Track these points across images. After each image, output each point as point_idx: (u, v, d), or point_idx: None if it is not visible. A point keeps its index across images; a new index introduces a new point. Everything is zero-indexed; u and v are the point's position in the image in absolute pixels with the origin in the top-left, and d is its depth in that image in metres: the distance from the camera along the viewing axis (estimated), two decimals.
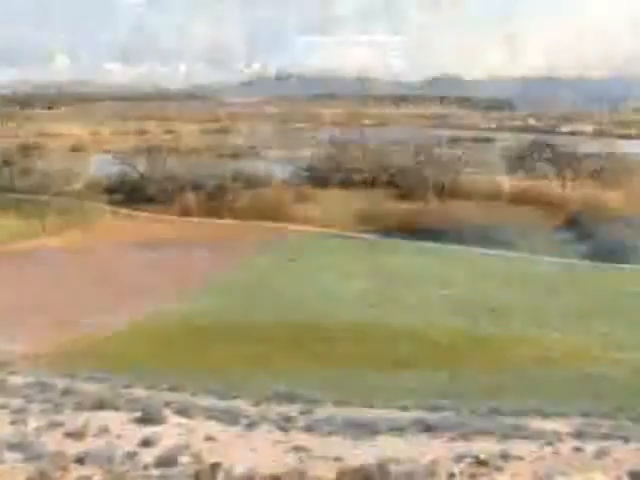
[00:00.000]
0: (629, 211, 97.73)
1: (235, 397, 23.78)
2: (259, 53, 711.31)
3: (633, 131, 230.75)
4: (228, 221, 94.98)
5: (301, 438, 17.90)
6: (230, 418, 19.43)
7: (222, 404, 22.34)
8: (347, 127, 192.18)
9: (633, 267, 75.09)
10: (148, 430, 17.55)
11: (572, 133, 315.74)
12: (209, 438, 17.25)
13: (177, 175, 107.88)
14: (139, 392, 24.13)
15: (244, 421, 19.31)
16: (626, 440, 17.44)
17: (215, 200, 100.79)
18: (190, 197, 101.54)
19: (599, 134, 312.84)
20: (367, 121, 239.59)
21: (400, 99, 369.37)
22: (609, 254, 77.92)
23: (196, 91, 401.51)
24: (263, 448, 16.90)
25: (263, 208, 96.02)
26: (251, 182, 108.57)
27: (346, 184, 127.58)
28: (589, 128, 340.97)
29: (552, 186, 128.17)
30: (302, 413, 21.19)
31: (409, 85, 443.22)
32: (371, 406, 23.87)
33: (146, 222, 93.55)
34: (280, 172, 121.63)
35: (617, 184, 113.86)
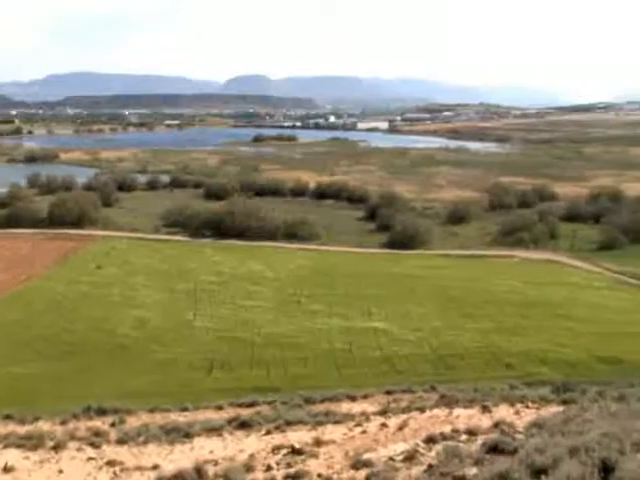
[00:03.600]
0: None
1: (37, 419, 22.11)
2: None
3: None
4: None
5: (114, 451, 17.20)
6: (32, 443, 18.04)
7: (22, 429, 20.66)
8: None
9: (424, 252, 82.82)
10: None
11: (369, 130, 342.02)
12: (9, 469, 15.90)
13: None
14: None
15: (49, 443, 18.05)
16: (422, 410, 19.04)
17: None
18: None
19: (393, 130, 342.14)
20: None
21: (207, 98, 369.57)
22: (405, 241, 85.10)
23: None
24: (72, 468, 15.97)
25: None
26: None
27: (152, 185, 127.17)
28: (384, 125, 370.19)
29: (351, 179, 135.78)
30: (113, 425, 20.33)
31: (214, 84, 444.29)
32: (185, 409, 23.62)
33: None
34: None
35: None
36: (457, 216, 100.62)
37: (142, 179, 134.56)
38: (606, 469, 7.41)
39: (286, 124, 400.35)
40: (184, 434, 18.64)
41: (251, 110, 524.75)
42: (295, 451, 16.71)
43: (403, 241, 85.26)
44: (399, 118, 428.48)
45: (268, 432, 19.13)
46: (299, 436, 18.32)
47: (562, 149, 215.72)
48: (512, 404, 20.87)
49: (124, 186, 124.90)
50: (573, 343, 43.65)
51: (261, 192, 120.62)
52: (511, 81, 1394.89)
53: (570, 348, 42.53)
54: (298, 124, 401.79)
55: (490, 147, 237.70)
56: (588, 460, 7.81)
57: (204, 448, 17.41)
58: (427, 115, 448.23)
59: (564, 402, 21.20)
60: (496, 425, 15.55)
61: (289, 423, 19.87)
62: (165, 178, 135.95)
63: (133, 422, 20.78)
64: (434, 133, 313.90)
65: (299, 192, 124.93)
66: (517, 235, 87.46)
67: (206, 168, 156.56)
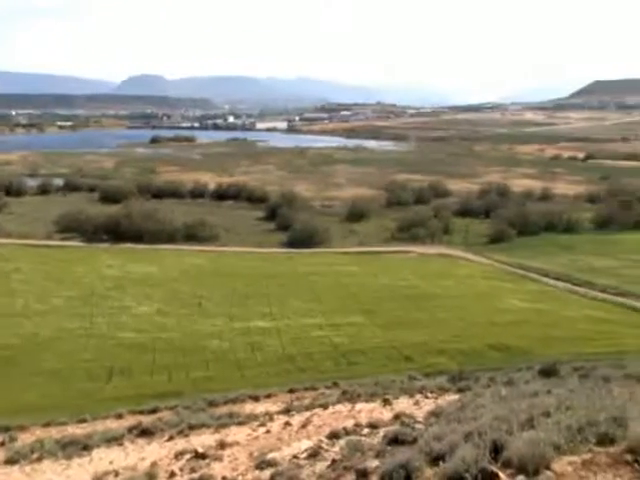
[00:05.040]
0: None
1: None
2: None
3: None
4: None
5: (4, 473, 16.28)
6: None
7: None
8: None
9: (324, 250, 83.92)
10: None
11: (268, 129, 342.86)
12: None
13: None
14: None
15: None
16: (325, 407, 19.29)
17: None
18: None
19: (291, 130, 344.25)
20: None
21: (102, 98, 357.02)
22: (305, 240, 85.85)
23: None
24: None
25: None
26: None
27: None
28: (283, 125, 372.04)
29: (250, 180, 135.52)
30: (2, 444, 19.23)
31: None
32: (83, 421, 22.72)
33: None
34: None
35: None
36: (356, 214, 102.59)
37: (33, 183, 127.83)
38: (496, 450, 7.79)
39: (184, 125, 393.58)
40: (82, 447, 17.97)
41: (148, 111, 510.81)
42: (199, 455, 16.53)
43: (303, 240, 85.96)
44: (297, 118, 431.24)
45: (171, 438, 18.79)
46: (202, 440, 18.13)
47: (455, 147, 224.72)
48: (412, 395, 21.57)
49: (12, 191, 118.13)
50: (467, 333, 45.59)
51: (159, 194, 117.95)
52: (407, 81, 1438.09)
53: (464, 338, 44.39)
54: (196, 125, 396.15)
55: (387, 145, 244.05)
56: (481, 443, 8.18)
57: (104, 459, 16.85)
58: (325, 115, 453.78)
59: (460, 390, 22.14)
60: (397, 417, 16.03)
61: (192, 427, 19.61)
62: (58, 182, 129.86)
63: (26, 439, 19.77)
64: (332, 132, 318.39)
65: (198, 193, 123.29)
66: (413, 231, 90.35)
67: (102, 171, 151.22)
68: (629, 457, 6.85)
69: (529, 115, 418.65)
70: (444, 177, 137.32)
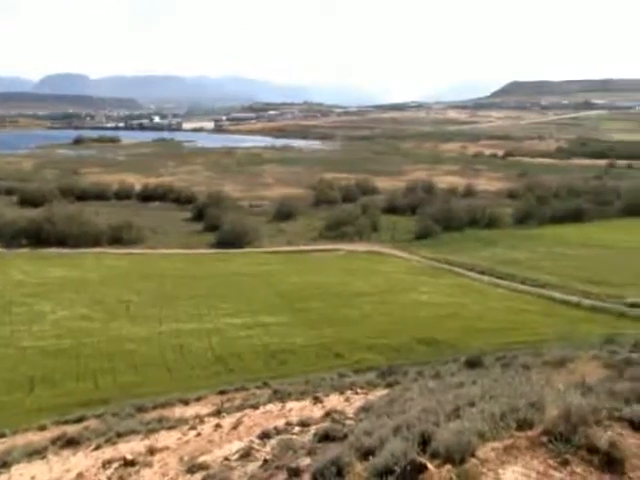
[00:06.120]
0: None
1: None
2: None
3: None
4: None
5: None
6: None
7: None
8: None
9: (253, 250, 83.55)
10: None
11: (195, 130, 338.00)
12: None
13: None
14: None
15: None
16: (256, 407, 19.21)
17: None
18: None
19: (219, 130, 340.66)
20: None
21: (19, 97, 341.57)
22: (233, 240, 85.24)
23: None
24: None
25: None
26: None
27: None
28: (210, 125, 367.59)
29: (177, 180, 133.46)
30: None
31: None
32: (2, 435, 21.73)
33: None
34: None
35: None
36: (284, 213, 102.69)
37: None
38: (425, 441, 7.93)
39: (108, 125, 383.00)
40: (1, 464, 17.17)
41: (70, 111, 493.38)
42: (127, 463, 16.14)
43: (232, 240, 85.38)
44: (225, 118, 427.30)
45: (98, 447, 18.24)
46: (131, 446, 17.70)
47: (381, 145, 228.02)
48: (342, 392, 21.74)
49: None
50: (395, 328, 46.40)
51: (83, 196, 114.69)
52: (334, 81, 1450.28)
53: (392, 333, 45.15)
54: (121, 125, 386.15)
55: (314, 145, 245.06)
56: (409, 436, 8.30)
57: (24, 475, 16.17)
58: (253, 114, 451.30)
59: (389, 385, 22.49)
60: (327, 414, 16.13)
61: (120, 434, 19.11)
62: None
63: None
64: (260, 132, 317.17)
65: (124, 195, 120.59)
66: (342, 229, 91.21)
67: (20, 173, 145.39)
68: (545, 439, 7.15)
69: (452, 114, 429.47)
70: (371, 175, 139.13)
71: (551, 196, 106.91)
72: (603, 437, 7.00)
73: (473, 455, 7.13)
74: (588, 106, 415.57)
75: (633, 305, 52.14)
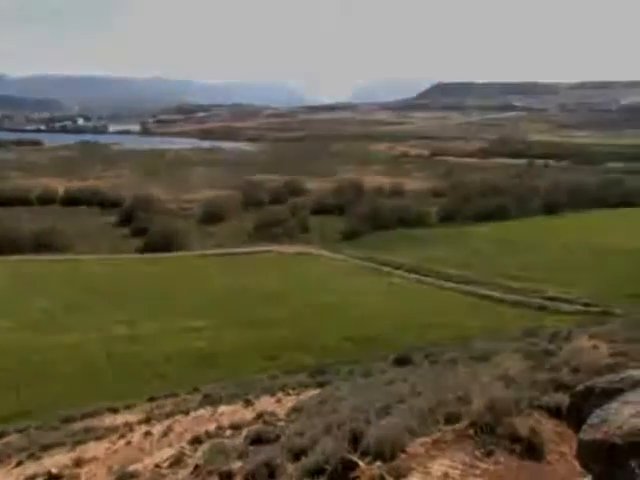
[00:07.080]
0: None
1: None
2: None
3: None
4: None
5: None
6: None
7: None
8: None
9: (182, 254, 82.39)
10: None
11: (121, 132, 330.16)
12: None
13: None
14: None
15: None
16: (186, 412, 18.93)
17: None
18: None
19: (146, 132, 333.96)
20: None
21: None
22: (162, 244, 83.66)
23: None
24: None
25: None
26: None
27: None
28: (137, 127, 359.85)
29: (103, 184, 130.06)
30: None
31: None
32: None
33: None
34: None
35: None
36: (212, 216, 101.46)
37: None
38: (355, 439, 8.02)
39: (29, 128, 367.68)
40: None
41: None
42: (52, 477, 15.62)
43: (161, 244, 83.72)
44: (152, 120, 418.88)
45: (20, 463, 17.51)
46: (57, 460, 17.10)
47: (311, 146, 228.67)
48: (273, 394, 21.72)
49: None
50: (325, 327, 46.75)
51: (3, 202, 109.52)
52: (263, 80, 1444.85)
53: (322, 333, 45.46)
54: (43, 127, 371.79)
55: (243, 146, 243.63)
56: (340, 434, 8.39)
57: None
58: (181, 116, 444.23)
59: (320, 385, 22.61)
60: (259, 416, 16.09)
61: (45, 448, 18.41)
62: None
63: None
64: (188, 134, 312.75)
65: (48, 200, 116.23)
66: (271, 230, 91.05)
67: None
68: (471, 431, 7.38)
69: (380, 115, 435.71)
70: (301, 176, 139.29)
71: (475, 195, 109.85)
72: (524, 425, 7.29)
73: (403, 451, 7.26)
74: (509, 108, 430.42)
75: (552, 299, 54.60)
